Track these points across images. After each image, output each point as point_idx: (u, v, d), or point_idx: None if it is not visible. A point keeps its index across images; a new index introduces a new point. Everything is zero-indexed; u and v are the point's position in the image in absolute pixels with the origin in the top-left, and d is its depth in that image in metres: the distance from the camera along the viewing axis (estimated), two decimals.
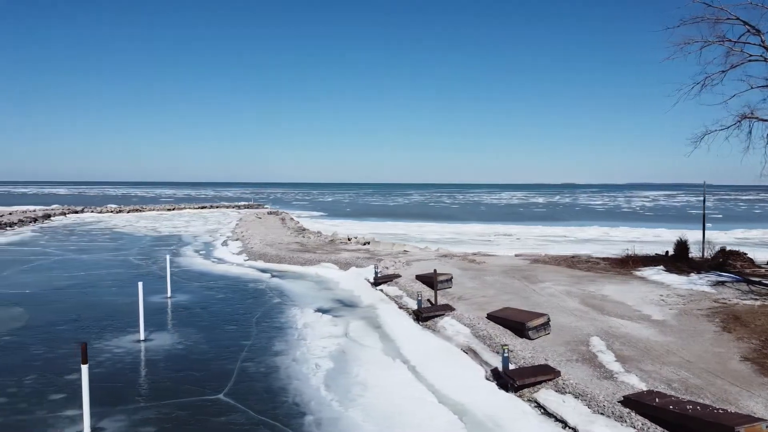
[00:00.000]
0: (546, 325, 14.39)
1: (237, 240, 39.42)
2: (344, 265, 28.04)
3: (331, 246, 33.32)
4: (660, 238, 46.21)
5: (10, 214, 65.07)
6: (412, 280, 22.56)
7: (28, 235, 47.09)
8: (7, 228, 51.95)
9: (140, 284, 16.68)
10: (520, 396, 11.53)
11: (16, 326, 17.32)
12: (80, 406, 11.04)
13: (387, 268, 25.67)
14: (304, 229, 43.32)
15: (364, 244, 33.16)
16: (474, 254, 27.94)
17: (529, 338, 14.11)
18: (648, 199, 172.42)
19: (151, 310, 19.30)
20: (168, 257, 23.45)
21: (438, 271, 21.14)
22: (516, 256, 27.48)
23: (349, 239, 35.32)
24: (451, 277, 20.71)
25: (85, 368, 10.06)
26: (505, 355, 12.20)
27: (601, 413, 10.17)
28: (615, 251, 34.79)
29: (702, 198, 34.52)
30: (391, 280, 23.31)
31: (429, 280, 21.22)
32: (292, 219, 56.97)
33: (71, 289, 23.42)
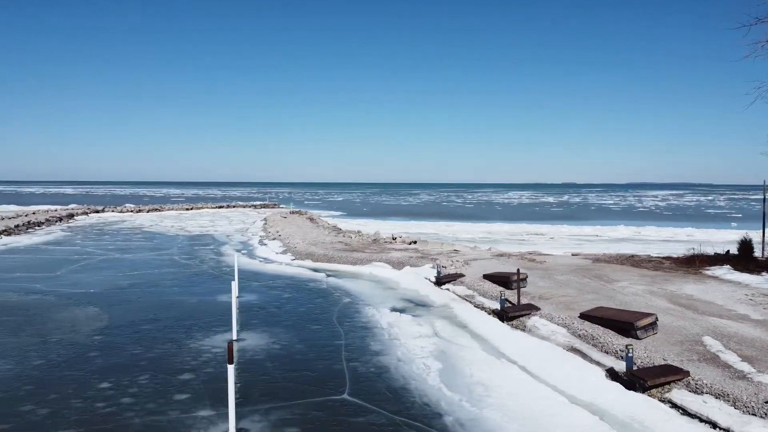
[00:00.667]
0: (654, 325, 14.24)
1: (274, 239, 39.30)
2: (397, 265, 27.92)
3: (376, 245, 33.18)
4: (693, 238, 46.10)
5: (34, 213, 65.07)
6: (479, 280, 22.42)
7: (60, 234, 47.04)
8: (36, 227, 51.93)
9: (234, 283, 16.70)
10: (651, 396, 11.39)
11: (101, 326, 17.21)
12: (211, 406, 10.99)
13: (444, 267, 25.54)
14: (340, 229, 43.15)
15: (411, 244, 33.01)
16: (529, 253, 27.79)
17: (637, 338, 13.96)
18: (658, 199, 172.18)
19: (226, 310, 19.23)
20: (236, 256, 23.44)
21: (501, 271, 21.00)
22: (574, 255, 27.33)
23: (393, 238, 35.18)
24: (527, 277, 20.56)
25: (231, 368, 9.95)
26: (630, 354, 12.06)
27: (753, 414, 10.02)
28: (657, 250, 34.60)
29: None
30: (455, 280, 23.19)
31: (500, 279, 21.09)
32: (320, 218, 56.80)
33: (135, 289, 23.30)
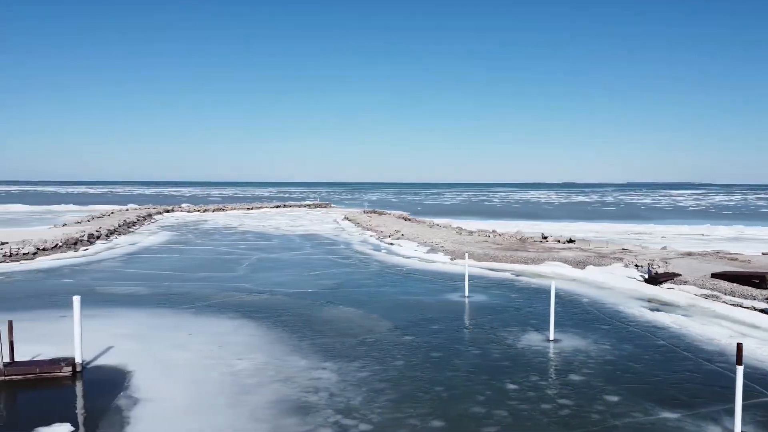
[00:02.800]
0: None
1: (404, 239, 39.02)
2: (577, 264, 27.62)
3: (532, 245, 32.89)
4: None
5: (112, 213, 65.05)
6: (705, 279, 22.10)
7: (168, 234, 46.89)
8: (131, 226, 51.80)
9: (553, 284, 16.33)
10: None
11: (390, 326, 17.00)
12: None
13: (653, 267, 25.14)
14: (461, 229, 42.86)
15: (567, 242, 32.71)
16: (717, 252, 27.48)
17: None
18: (689, 198, 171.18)
19: (479, 308, 19.17)
20: (467, 257, 23.06)
21: (735, 271, 20.68)
22: (764, 254, 27.02)
23: (545, 238, 34.88)
24: None
25: (740, 369, 9.69)
26: None
27: None
28: None
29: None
30: (672, 279, 22.87)
31: (743, 278, 20.79)
32: (414, 218, 56.57)
33: (349, 288, 23.15)
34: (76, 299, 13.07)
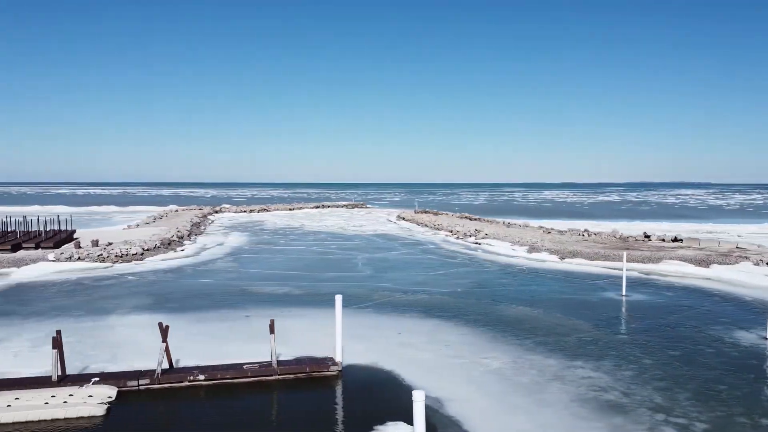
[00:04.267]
0: None
1: (491, 238, 39.01)
2: (700, 263, 27.57)
3: (637, 244, 32.84)
4: None
5: (177, 210, 65.15)
6: None
7: (242, 235, 46.88)
8: (198, 228, 51.91)
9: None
10: None
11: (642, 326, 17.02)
12: None
13: None
14: (549, 228, 42.80)
15: (673, 241, 32.66)
16: None
17: None
18: (710, 197, 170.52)
19: (646, 307, 19.20)
20: (625, 258, 23.14)
21: None
22: None
23: (647, 236, 34.80)
24: None
25: None
26: None
27: None
28: None
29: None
30: None
31: None
32: (480, 217, 56.58)
33: (493, 287, 23.19)
34: (338, 298, 13.13)
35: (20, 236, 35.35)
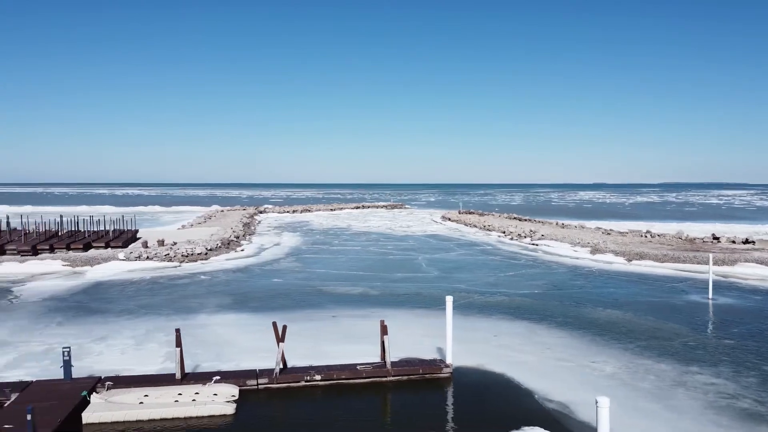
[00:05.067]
0: None
1: (546, 239, 38.45)
2: None
3: (706, 246, 31.93)
4: None
5: (222, 210, 66.04)
6: None
7: (295, 236, 47.13)
8: (249, 228, 52.48)
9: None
10: None
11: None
12: None
13: None
14: (608, 230, 41.99)
15: (744, 243, 31.67)
16: None
17: None
18: (754, 198, 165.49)
19: (741, 311, 18.58)
20: (711, 260, 22.56)
21: None
22: None
23: (716, 239, 33.83)
24: None
25: None
26: None
27: None
28: None
29: None
30: None
31: None
32: (530, 218, 55.94)
33: (569, 290, 22.84)
34: (449, 299, 13.01)
35: (89, 236, 36.24)
